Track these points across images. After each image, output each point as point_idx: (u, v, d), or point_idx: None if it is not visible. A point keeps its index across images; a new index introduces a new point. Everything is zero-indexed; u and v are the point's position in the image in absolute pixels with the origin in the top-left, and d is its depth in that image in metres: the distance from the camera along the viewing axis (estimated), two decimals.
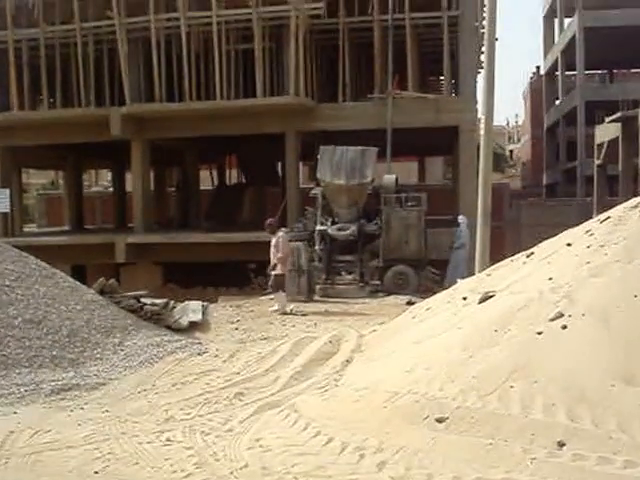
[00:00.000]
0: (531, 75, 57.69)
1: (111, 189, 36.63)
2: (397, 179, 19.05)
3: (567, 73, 46.02)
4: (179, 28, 21.22)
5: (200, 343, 10.82)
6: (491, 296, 7.44)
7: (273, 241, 14.57)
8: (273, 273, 14.48)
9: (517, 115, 75.01)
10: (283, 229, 14.99)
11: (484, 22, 22.18)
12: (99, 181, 47.96)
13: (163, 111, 22.00)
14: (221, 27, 21.06)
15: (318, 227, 17.92)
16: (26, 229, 30.99)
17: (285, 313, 13.78)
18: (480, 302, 7.46)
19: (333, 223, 17.97)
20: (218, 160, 32.16)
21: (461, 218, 19.64)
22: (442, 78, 28.20)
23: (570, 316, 6.09)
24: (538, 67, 55.05)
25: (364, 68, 23.78)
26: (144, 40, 22.11)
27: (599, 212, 27.57)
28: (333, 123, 21.55)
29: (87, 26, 22.27)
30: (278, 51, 21.80)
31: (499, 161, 52.55)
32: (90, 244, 22.73)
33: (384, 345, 8.32)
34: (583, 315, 6.06)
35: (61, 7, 22.48)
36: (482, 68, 24.36)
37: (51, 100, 24.57)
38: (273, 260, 14.46)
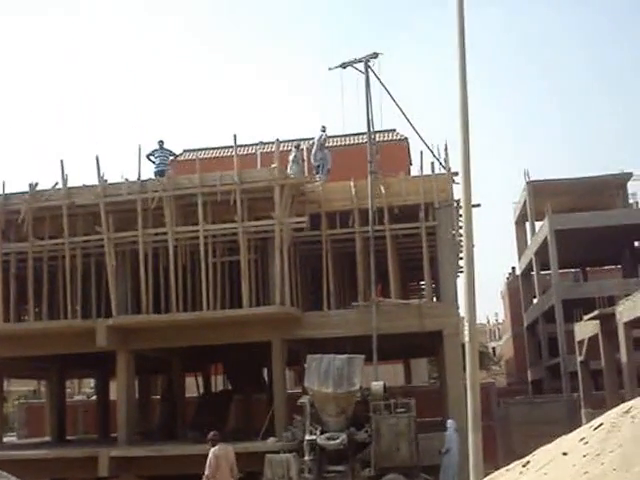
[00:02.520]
0: (507, 275, 59.08)
1: (94, 397, 36.27)
2: (385, 385, 19.14)
3: (542, 273, 47.20)
4: (166, 242, 21.83)
5: None
6: None
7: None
8: None
9: (497, 313, 76.50)
10: (220, 444, 14.75)
11: (461, 230, 23.10)
12: (82, 388, 47.42)
13: (149, 322, 22.16)
14: (208, 240, 21.69)
15: (307, 437, 17.79)
16: (6, 439, 30.35)
17: None
18: None
19: (322, 432, 17.84)
20: (204, 367, 32.03)
21: (449, 422, 19.59)
22: (423, 283, 28.79)
23: None
24: (514, 268, 56.48)
25: (347, 276, 24.36)
26: (132, 253, 22.61)
27: (587, 407, 27.47)
28: (319, 331, 21.87)
29: (76, 240, 22.76)
30: (263, 262, 22.38)
31: (483, 359, 52.64)
32: (72, 458, 22.14)
33: None
34: None
35: (51, 222, 23.06)
36: (461, 271, 25.04)
37: (36, 310, 24.69)
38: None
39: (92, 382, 45.29)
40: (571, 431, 8.74)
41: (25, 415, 37.92)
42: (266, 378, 29.71)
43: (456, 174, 22.05)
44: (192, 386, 31.38)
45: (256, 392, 28.58)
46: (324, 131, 25.29)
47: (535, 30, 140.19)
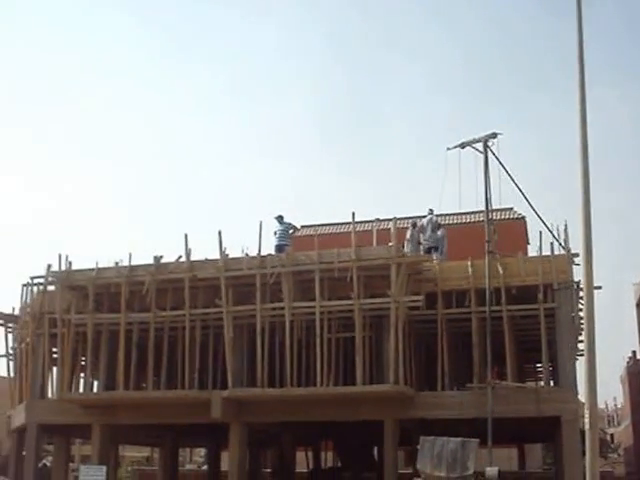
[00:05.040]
0: (627, 359, 56.93)
1: (205, 467, 36.60)
2: (499, 471, 18.69)
3: None
4: (283, 316, 22.15)
5: None
6: None
7: None
8: None
9: (615, 398, 73.34)
10: None
11: (580, 313, 22.53)
12: (193, 457, 47.97)
13: (264, 396, 22.38)
14: (323, 316, 21.92)
15: None
16: None
17: None
18: None
19: None
20: (314, 443, 31.99)
21: None
22: (539, 365, 28.13)
23: None
24: (634, 351, 54.44)
25: (462, 357, 24.00)
26: (249, 326, 23.03)
27: None
28: (432, 411, 21.59)
29: (196, 312, 23.36)
30: (377, 340, 22.35)
31: (601, 447, 50.66)
32: None
33: None
34: None
35: (173, 293, 23.81)
36: (580, 354, 24.37)
37: (155, 379, 25.23)
38: None
39: (202, 451, 45.83)
40: None
41: None
42: (376, 456, 29.44)
43: (576, 255, 21.73)
44: (302, 461, 31.35)
45: (365, 470, 28.27)
46: (432, 213, 25.44)
47: None
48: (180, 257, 23.58)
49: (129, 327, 24.09)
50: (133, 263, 24.13)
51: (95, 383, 26.42)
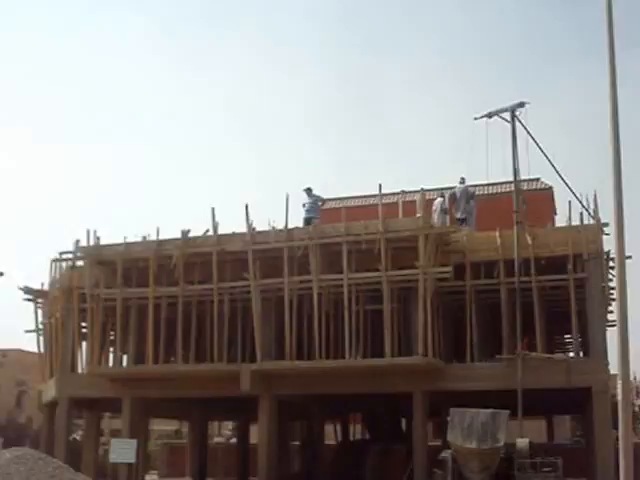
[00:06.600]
0: None
1: (233, 440, 36.85)
2: (530, 442, 18.64)
3: None
4: (311, 289, 22.14)
5: None
6: None
7: None
8: None
9: None
10: None
11: (611, 283, 22.28)
12: (221, 430, 48.35)
13: (293, 368, 22.42)
14: (351, 289, 21.85)
15: None
16: (148, 477, 31.22)
17: None
18: None
19: None
20: (342, 415, 32.09)
21: None
22: (569, 336, 27.97)
23: None
24: None
25: (491, 328, 23.89)
26: (277, 299, 23.01)
27: None
28: (461, 383, 21.55)
29: (224, 286, 23.39)
30: (406, 312, 22.28)
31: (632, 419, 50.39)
32: None
33: None
34: None
35: (201, 267, 23.85)
36: (610, 325, 24.13)
37: (183, 353, 25.29)
38: None
39: (230, 424, 46.17)
40: None
41: (167, 454, 39.00)
42: (404, 428, 29.46)
43: (606, 225, 21.47)
44: (330, 434, 31.49)
45: (394, 443, 28.31)
46: (463, 183, 25.18)
47: None
48: (207, 231, 23.65)
49: (157, 301, 24.23)
50: (161, 237, 24.20)
51: (124, 357, 26.61)
